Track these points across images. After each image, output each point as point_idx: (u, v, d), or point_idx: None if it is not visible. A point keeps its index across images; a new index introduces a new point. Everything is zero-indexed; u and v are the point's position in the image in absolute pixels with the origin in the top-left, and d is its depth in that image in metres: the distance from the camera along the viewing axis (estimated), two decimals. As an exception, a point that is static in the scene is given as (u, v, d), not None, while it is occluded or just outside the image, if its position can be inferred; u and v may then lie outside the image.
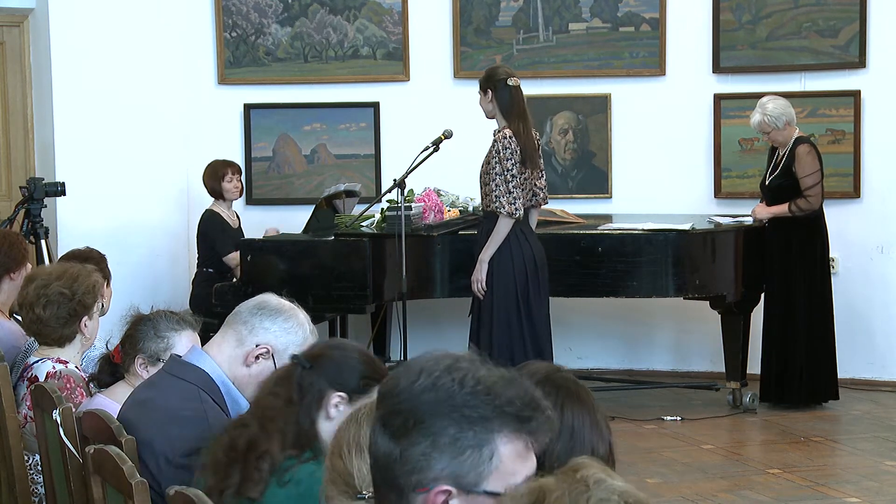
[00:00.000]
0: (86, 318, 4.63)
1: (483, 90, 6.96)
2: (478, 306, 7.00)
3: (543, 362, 2.65)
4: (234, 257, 8.25)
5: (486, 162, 6.91)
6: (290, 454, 3.05)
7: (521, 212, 6.82)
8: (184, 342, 4.02)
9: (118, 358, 4.10)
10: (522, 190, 6.86)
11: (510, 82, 6.89)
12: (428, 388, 1.99)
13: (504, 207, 6.80)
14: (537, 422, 2.02)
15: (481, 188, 6.99)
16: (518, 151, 6.80)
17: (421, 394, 1.99)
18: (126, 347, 4.07)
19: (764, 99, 8.13)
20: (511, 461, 2.00)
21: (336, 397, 3.13)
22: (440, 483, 1.98)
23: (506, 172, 6.78)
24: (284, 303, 3.63)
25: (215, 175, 8.41)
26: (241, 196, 8.59)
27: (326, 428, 3.11)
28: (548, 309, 7.02)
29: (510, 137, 6.80)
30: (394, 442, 2.01)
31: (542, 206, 7.30)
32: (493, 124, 7.06)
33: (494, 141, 6.88)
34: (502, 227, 6.85)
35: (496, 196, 6.82)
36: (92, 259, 5.50)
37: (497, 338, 6.87)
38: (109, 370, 4.15)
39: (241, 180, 8.50)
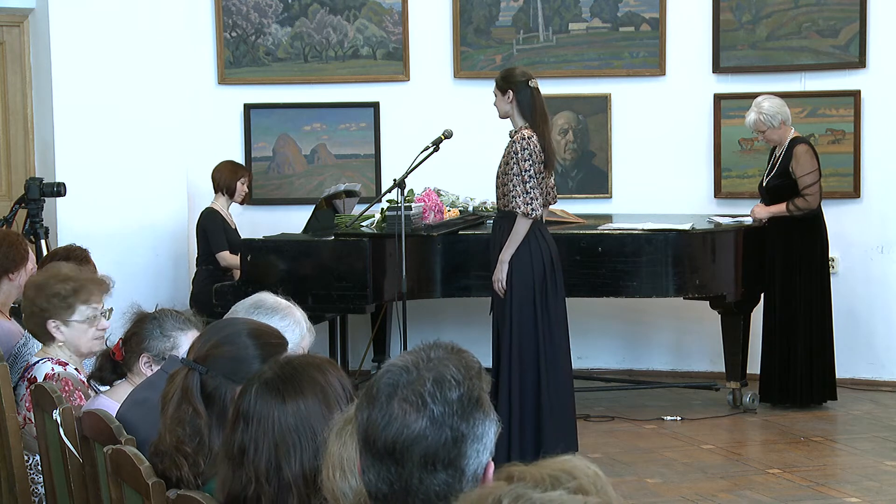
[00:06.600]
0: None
1: (501, 91, 6.83)
2: (500, 305, 6.94)
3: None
4: (225, 256, 8.25)
5: (505, 163, 6.83)
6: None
7: (539, 212, 6.78)
8: (188, 342, 4.00)
9: (119, 355, 4.08)
10: (541, 190, 6.81)
11: (531, 84, 6.84)
12: (449, 409, 2.15)
13: (520, 207, 6.75)
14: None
15: (498, 188, 6.90)
16: (540, 153, 6.76)
17: (447, 416, 2.14)
18: (130, 345, 4.04)
19: (759, 98, 8.14)
20: None
21: None
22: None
23: (523, 173, 6.71)
24: (281, 301, 3.63)
25: (235, 174, 8.45)
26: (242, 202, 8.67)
27: None
28: (564, 306, 6.98)
29: (530, 138, 6.73)
30: (461, 427, 2.15)
31: (550, 206, 7.29)
32: (501, 125, 7.02)
33: (513, 141, 6.79)
34: (521, 228, 6.78)
35: (513, 196, 6.77)
36: (74, 257, 5.50)
37: (515, 337, 6.81)
38: (111, 367, 4.12)
39: (248, 188, 8.57)
